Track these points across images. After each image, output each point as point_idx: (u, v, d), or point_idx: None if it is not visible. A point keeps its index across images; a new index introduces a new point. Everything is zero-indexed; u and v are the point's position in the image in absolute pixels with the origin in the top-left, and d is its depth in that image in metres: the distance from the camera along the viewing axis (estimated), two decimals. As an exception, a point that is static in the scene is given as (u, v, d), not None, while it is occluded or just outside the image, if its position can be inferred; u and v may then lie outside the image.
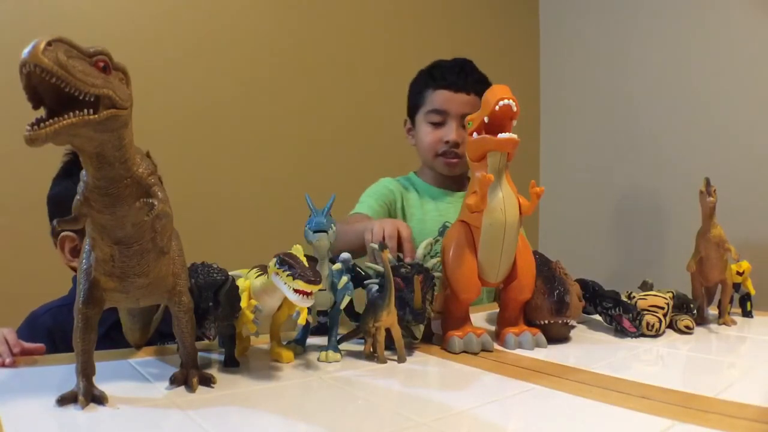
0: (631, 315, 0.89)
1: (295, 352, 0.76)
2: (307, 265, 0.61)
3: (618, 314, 0.91)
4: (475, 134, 0.80)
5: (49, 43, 0.42)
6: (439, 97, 1.25)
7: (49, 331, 0.89)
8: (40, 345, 0.73)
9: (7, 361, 0.67)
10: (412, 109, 1.33)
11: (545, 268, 0.88)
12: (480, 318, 1.05)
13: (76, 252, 0.95)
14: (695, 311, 0.98)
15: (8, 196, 1.34)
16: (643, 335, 0.89)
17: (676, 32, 1.96)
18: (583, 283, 0.98)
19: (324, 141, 1.84)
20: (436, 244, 0.87)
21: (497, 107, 0.75)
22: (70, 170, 0.96)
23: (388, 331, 0.74)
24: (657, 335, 0.89)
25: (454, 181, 1.32)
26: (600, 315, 0.97)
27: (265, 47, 1.74)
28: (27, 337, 0.74)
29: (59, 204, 0.94)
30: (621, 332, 0.91)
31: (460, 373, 0.71)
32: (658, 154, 2.01)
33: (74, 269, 0.96)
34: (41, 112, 0.45)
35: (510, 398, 0.61)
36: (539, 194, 0.78)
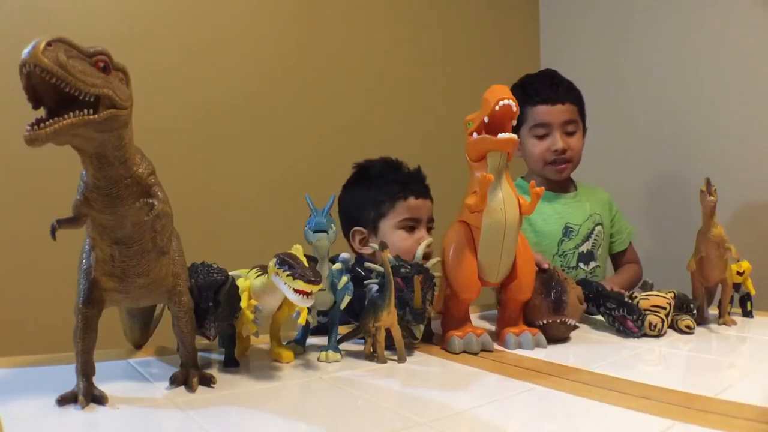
0: (634, 316, 0.89)
1: (295, 352, 0.76)
2: (307, 265, 0.62)
3: (621, 315, 0.91)
4: (474, 134, 0.80)
5: (49, 43, 0.42)
6: (540, 112, 1.36)
7: None
8: None
9: None
10: None
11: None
12: (480, 318, 1.05)
13: (364, 242, 1.16)
14: (695, 311, 0.98)
15: (8, 196, 1.34)
16: (646, 335, 0.89)
17: (677, 31, 1.96)
18: (586, 284, 0.98)
19: (324, 141, 1.84)
20: None
21: (497, 107, 0.75)
22: (356, 179, 1.21)
23: (388, 331, 0.74)
24: (659, 335, 0.89)
25: (559, 184, 1.43)
26: (603, 316, 0.96)
27: (266, 46, 1.74)
28: None
29: (343, 212, 1.19)
30: (624, 333, 0.91)
31: (460, 373, 0.71)
32: (659, 153, 2.01)
33: (361, 255, 1.15)
34: (41, 112, 0.45)
35: (510, 398, 0.61)
36: (539, 194, 0.78)
